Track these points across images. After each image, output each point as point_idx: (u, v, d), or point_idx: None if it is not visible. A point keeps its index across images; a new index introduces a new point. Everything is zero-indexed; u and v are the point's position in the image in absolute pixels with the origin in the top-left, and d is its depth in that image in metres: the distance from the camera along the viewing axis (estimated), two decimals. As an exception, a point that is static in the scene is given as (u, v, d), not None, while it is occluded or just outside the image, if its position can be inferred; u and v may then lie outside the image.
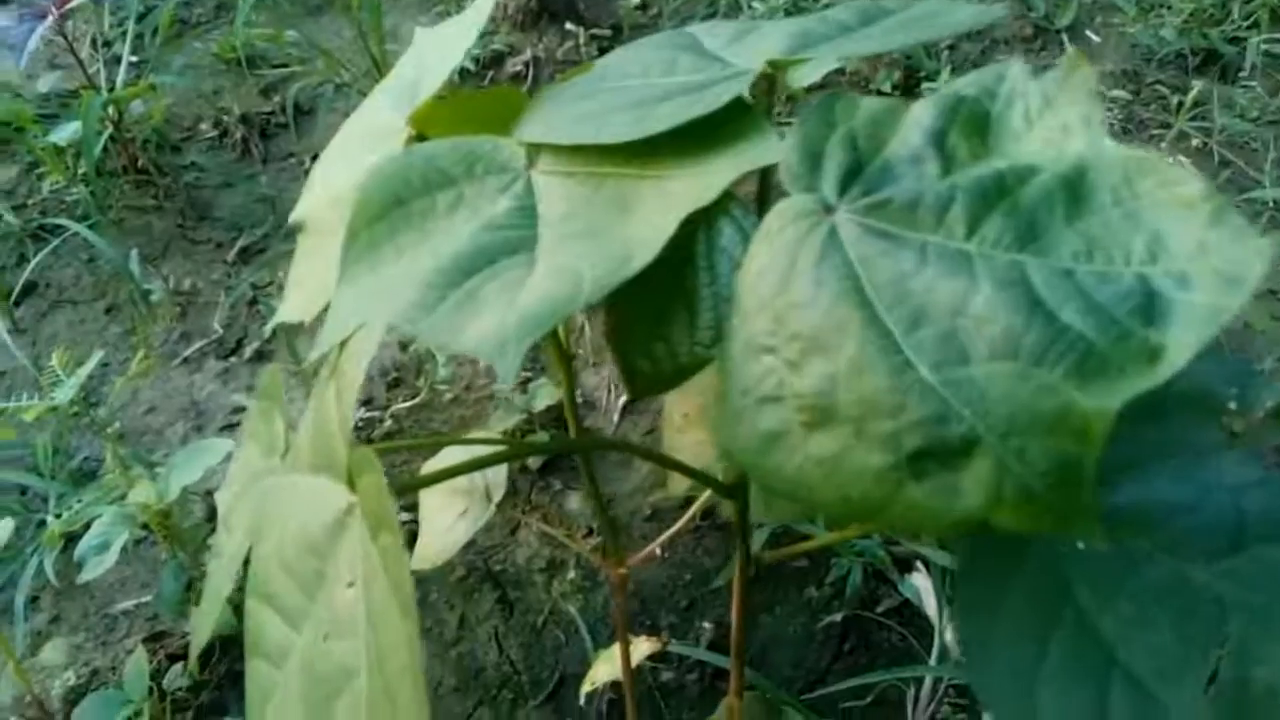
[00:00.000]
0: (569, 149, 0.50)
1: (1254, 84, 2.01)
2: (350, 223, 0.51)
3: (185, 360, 1.65)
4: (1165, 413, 0.46)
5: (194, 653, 0.62)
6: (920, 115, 0.41)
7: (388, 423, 1.51)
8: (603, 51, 2.12)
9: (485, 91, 0.61)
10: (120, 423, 1.55)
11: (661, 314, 0.47)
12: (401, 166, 0.52)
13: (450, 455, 0.87)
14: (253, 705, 0.48)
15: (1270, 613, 0.41)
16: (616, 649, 0.93)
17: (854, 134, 0.42)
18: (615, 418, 1.50)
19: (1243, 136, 1.91)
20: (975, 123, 0.40)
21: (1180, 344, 0.33)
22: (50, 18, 1.70)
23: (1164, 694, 0.40)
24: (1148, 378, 0.32)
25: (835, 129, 0.42)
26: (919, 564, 1.26)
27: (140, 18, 2.19)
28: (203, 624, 0.61)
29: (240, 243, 1.83)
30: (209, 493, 1.43)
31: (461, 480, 0.86)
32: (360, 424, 1.47)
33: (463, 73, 2.07)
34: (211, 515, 1.41)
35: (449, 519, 0.86)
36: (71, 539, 1.26)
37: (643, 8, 2.30)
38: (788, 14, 2.07)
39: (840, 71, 2.00)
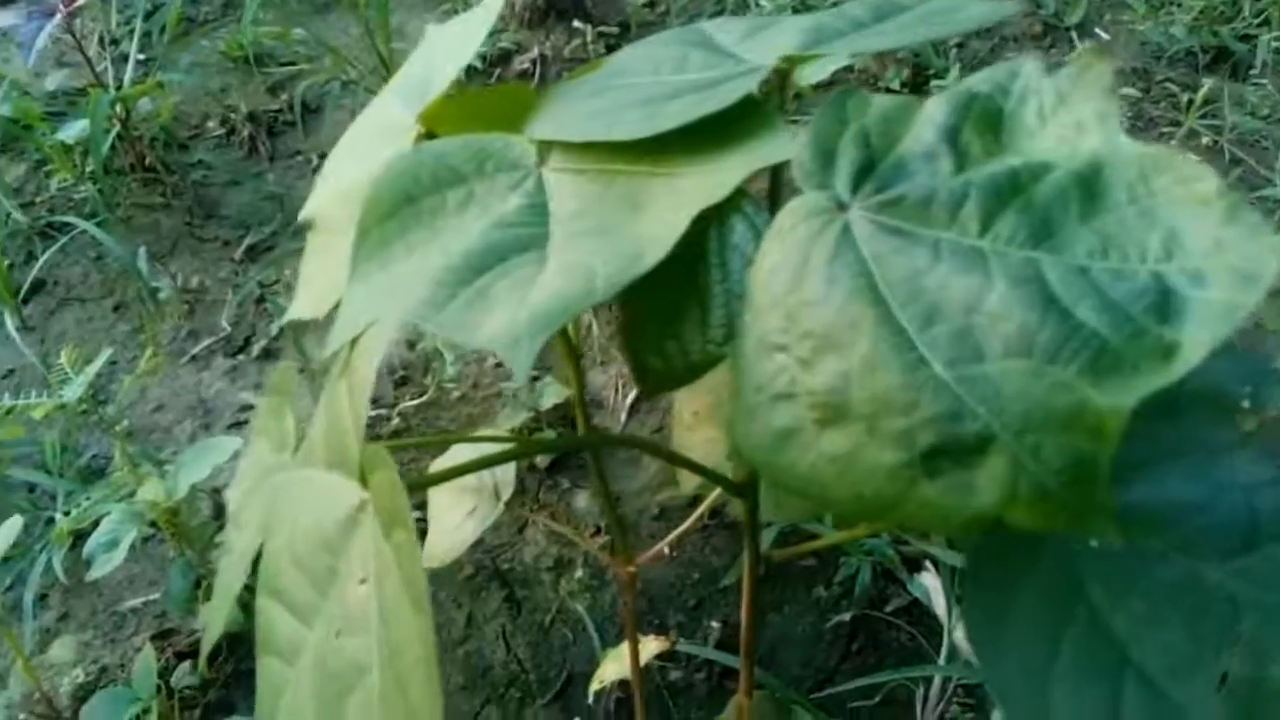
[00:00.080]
0: (580, 146, 0.50)
1: (1265, 81, 2.00)
2: (361, 220, 0.51)
3: (193, 358, 1.65)
4: (1179, 411, 0.45)
5: (205, 649, 0.62)
6: (933, 112, 0.41)
7: (395, 421, 1.51)
8: (610, 49, 2.12)
9: (495, 89, 0.61)
10: (128, 420, 1.55)
11: (673, 311, 0.47)
12: (412, 164, 0.52)
13: (459, 453, 0.87)
14: (264, 702, 0.48)
15: (1284, 612, 0.40)
16: (625, 648, 0.93)
17: (867, 131, 0.42)
18: (623, 416, 1.50)
19: (1253, 134, 1.90)
20: (989, 119, 0.40)
21: (1195, 341, 0.32)
22: (58, 15, 1.71)
23: (1177, 693, 0.40)
24: (1163, 375, 0.32)
25: (848, 126, 0.42)
26: (928, 563, 1.26)
27: (148, 16, 2.20)
28: (214, 621, 0.61)
29: (248, 241, 1.83)
30: (216, 490, 1.43)
31: (470, 478, 0.86)
32: (368, 422, 1.47)
33: (469, 70, 2.07)
34: (219, 513, 1.41)
35: (457, 517, 0.86)
36: (80, 536, 1.26)
37: (650, 5, 2.29)
38: (795, 11, 2.07)
39: (849, 69, 2.00)
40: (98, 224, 1.79)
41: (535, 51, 2.13)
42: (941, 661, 1.17)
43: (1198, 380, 0.37)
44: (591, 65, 0.60)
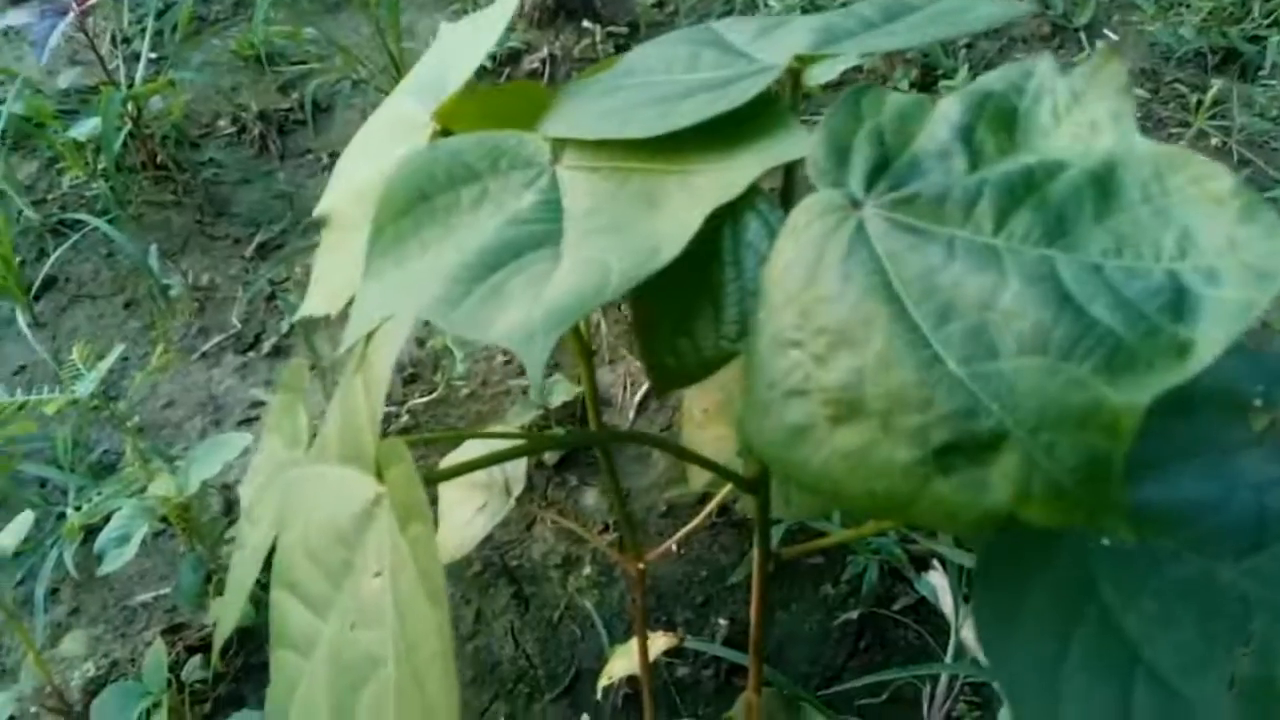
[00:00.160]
0: (594, 144, 0.51)
1: (1274, 83, 2.00)
2: (376, 217, 0.51)
3: (204, 355, 1.66)
4: (1191, 410, 0.46)
5: (218, 644, 0.63)
6: (948, 110, 0.41)
7: (404, 418, 1.51)
8: (619, 49, 2.12)
9: (509, 86, 0.61)
10: (139, 416, 1.56)
11: (687, 309, 0.47)
12: (426, 161, 0.53)
13: (469, 450, 0.87)
14: (277, 694, 0.49)
15: (1295, 610, 0.40)
16: (633, 644, 0.93)
17: (881, 129, 0.42)
18: (631, 414, 1.51)
19: (1262, 135, 1.90)
20: (1003, 118, 0.40)
21: (1209, 339, 0.33)
22: (71, 14, 1.71)
23: (1188, 692, 0.40)
24: (1177, 373, 0.32)
25: (862, 124, 0.43)
26: (935, 562, 1.26)
27: (159, 14, 2.20)
28: (226, 615, 0.62)
29: (258, 238, 1.84)
30: (227, 486, 1.44)
31: (480, 474, 0.86)
32: (377, 419, 1.47)
33: (479, 70, 2.07)
34: (229, 509, 1.42)
35: (468, 513, 0.87)
36: (91, 531, 1.27)
37: (659, 5, 2.30)
38: (804, 11, 2.07)
39: (857, 69, 2.00)
40: (109, 221, 1.80)
41: (545, 51, 2.13)
42: (948, 660, 1.17)
43: (1210, 379, 0.37)
44: (604, 64, 0.61)
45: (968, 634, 1.17)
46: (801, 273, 0.40)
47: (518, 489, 0.83)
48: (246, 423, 1.55)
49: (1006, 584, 0.44)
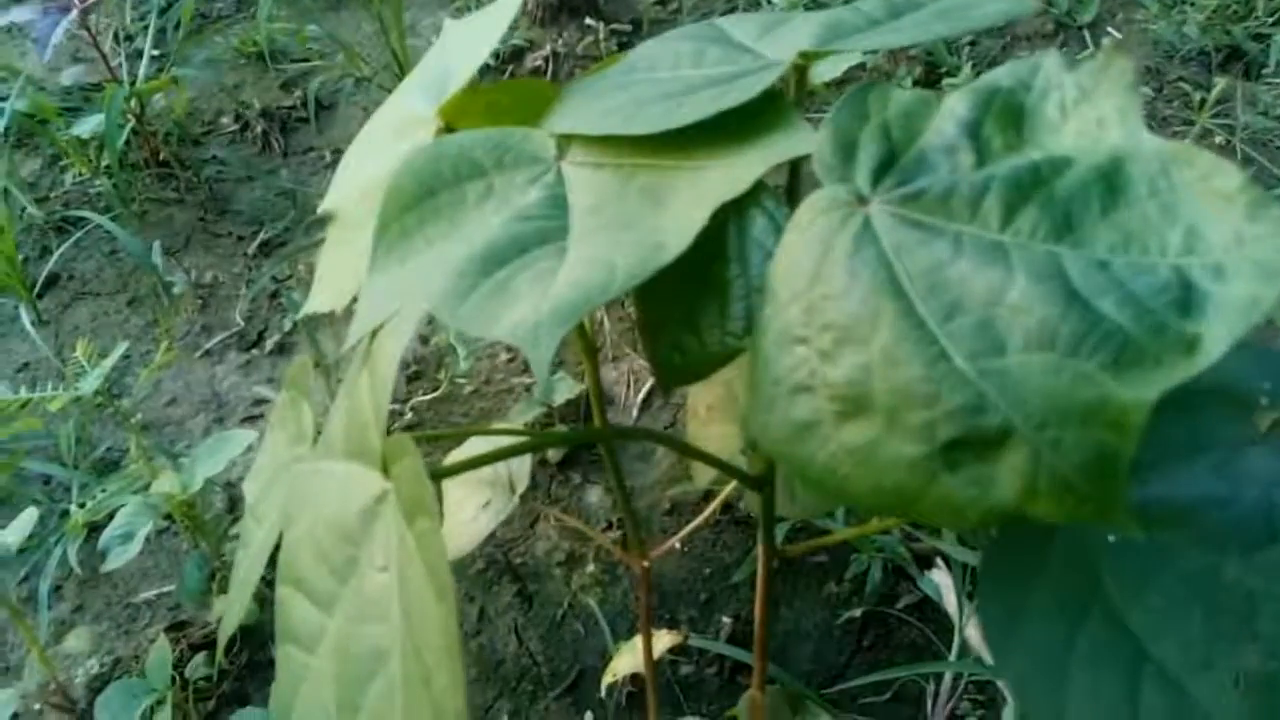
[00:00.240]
0: (599, 140, 0.51)
1: (1278, 81, 1.99)
2: (381, 213, 0.51)
3: (207, 352, 1.66)
4: (1198, 407, 0.45)
5: (222, 640, 0.63)
6: (954, 106, 0.41)
7: (408, 415, 1.51)
8: (622, 46, 2.12)
9: (513, 83, 0.61)
10: (143, 414, 1.56)
11: (692, 305, 0.47)
12: (432, 157, 0.53)
13: (473, 447, 0.87)
14: (282, 690, 0.49)
15: (1302, 607, 0.40)
16: (637, 641, 0.94)
17: (887, 125, 0.42)
18: (635, 412, 1.51)
19: (1266, 134, 1.89)
20: (1010, 114, 0.40)
21: (1217, 336, 0.33)
22: (74, 11, 1.72)
23: (1195, 688, 0.40)
24: (1185, 369, 0.32)
25: (868, 120, 0.43)
26: (939, 560, 1.26)
27: (162, 11, 2.21)
28: (231, 613, 0.62)
29: (261, 236, 1.84)
30: (230, 484, 1.44)
31: (485, 472, 0.86)
32: (380, 417, 1.47)
33: (482, 68, 2.07)
34: (232, 506, 1.42)
35: (472, 511, 0.87)
36: (95, 529, 1.27)
37: (662, 3, 2.29)
38: (808, 8, 2.07)
39: (861, 67, 2.00)
40: (112, 218, 1.80)
41: (548, 49, 2.13)
42: (952, 658, 1.17)
43: (1217, 376, 0.37)
44: (608, 61, 0.60)
45: (971, 632, 1.17)
46: (807, 269, 0.40)
47: (522, 486, 0.83)
48: (250, 420, 1.55)
49: (1012, 581, 0.44)
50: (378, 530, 0.43)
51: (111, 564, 1.14)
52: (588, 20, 2.18)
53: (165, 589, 1.35)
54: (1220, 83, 1.93)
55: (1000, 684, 1.15)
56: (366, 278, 0.51)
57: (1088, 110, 0.39)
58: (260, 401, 1.57)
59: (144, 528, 1.16)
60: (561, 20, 2.20)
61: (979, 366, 0.35)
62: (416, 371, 1.58)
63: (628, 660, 1.05)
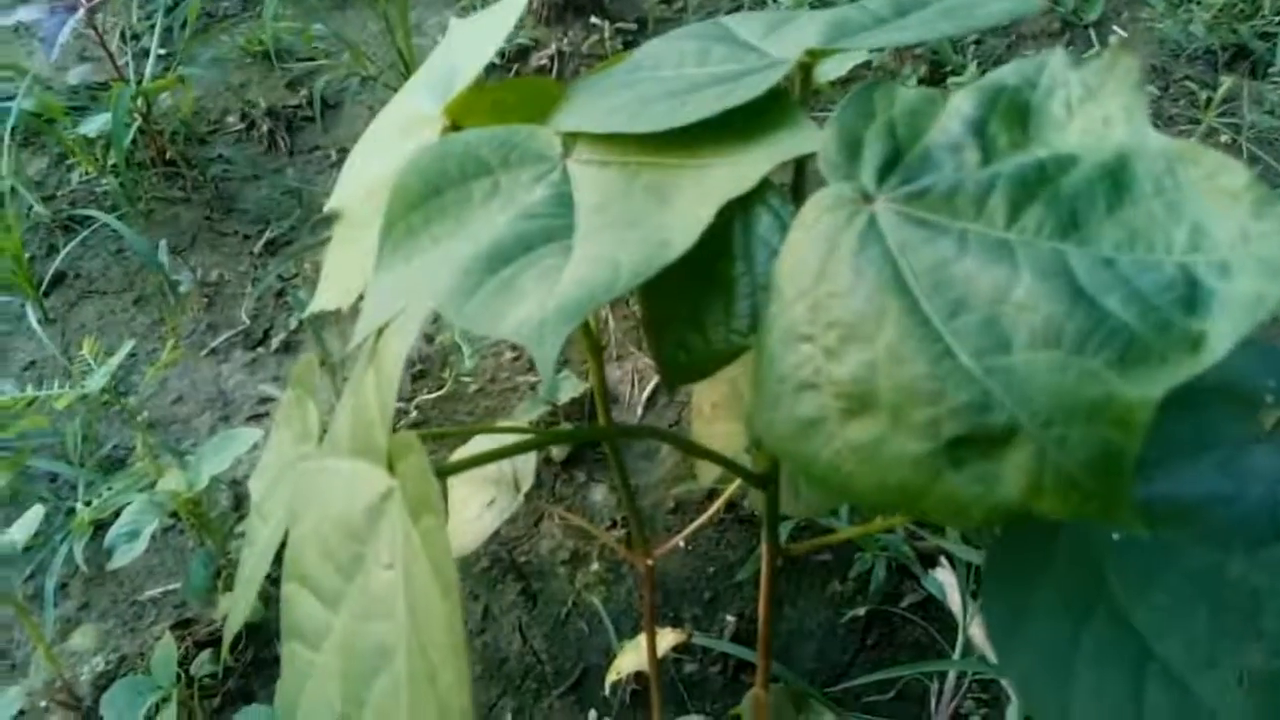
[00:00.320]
0: (605, 139, 0.51)
1: (1284, 80, 1.99)
2: (388, 211, 0.52)
3: (213, 351, 1.66)
4: (1203, 405, 0.45)
5: (227, 638, 0.63)
6: (960, 104, 0.41)
7: (413, 414, 1.52)
8: (628, 45, 2.12)
9: (519, 81, 0.61)
10: (149, 412, 1.57)
11: (697, 303, 0.47)
12: (438, 156, 0.53)
13: (478, 445, 0.87)
14: (288, 687, 0.49)
15: (1307, 605, 0.40)
16: (641, 640, 0.94)
17: (893, 123, 0.42)
18: (639, 410, 1.51)
19: (1273, 133, 1.89)
20: (1016, 112, 0.40)
21: (1222, 333, 0.33)
22: (80, 10, 1.72)
23: (1199, 685, 0.40)
24: (1190, 366, 0.32)
25: (874, 118, 0.43)
26: (943, 559, 1.26)
27: (169, 11, 2.21)
28: (236, 610, 0.62)
29: (267, 235, 1.84)
30: (236, 482, 1.44)
31: (490, 470, 0.87)
32: (385, 415, 1.47)
33: (488, 67, 2.07)
34: (238, 504, 1.42)
35: (476, 509, 0.87)
36: (101, 526, 1.28)
37: (667, 2, 2.29)
38: (813, 6, 2.07)
39: (866, 66, 2.00)
40: (119, 217, 1.80)
41: (553, 48, 2.13)
42: (956, 657, 1.17)
43: (1222, 374, 0.37)
44: (613, 60, 0.61)
45: (975, 631, 1.17)
46: (813, 266, 0.40)
47: (527, 484, 0.83)
48: (256, 418, 1.55)
49: (1016, 579, 0.44)
50: (383, 528, 0.44)
51: (117, 562, 1.14)
52: (593, 19, 2.19)
53: (171, 587, 1.35)
54: (1226, 81, 1.92)
55: (1004, 683, 1.15)
56: (372, 276, 0.51)
57: (1093, 108, 0.39)
58: (266, 400, 1.58)
59: (150, 525, 1.17)
60: (567, 19, 2.20)
61: (984, 364, 0.35)
62: (421, 370, 1.58)
63: (631, 658, 1.05)
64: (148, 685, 1.14)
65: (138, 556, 1.15)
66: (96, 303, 1.76)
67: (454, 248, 0.48)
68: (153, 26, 2.11)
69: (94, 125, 1.87)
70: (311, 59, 2.19)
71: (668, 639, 1.03)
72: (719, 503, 0.86)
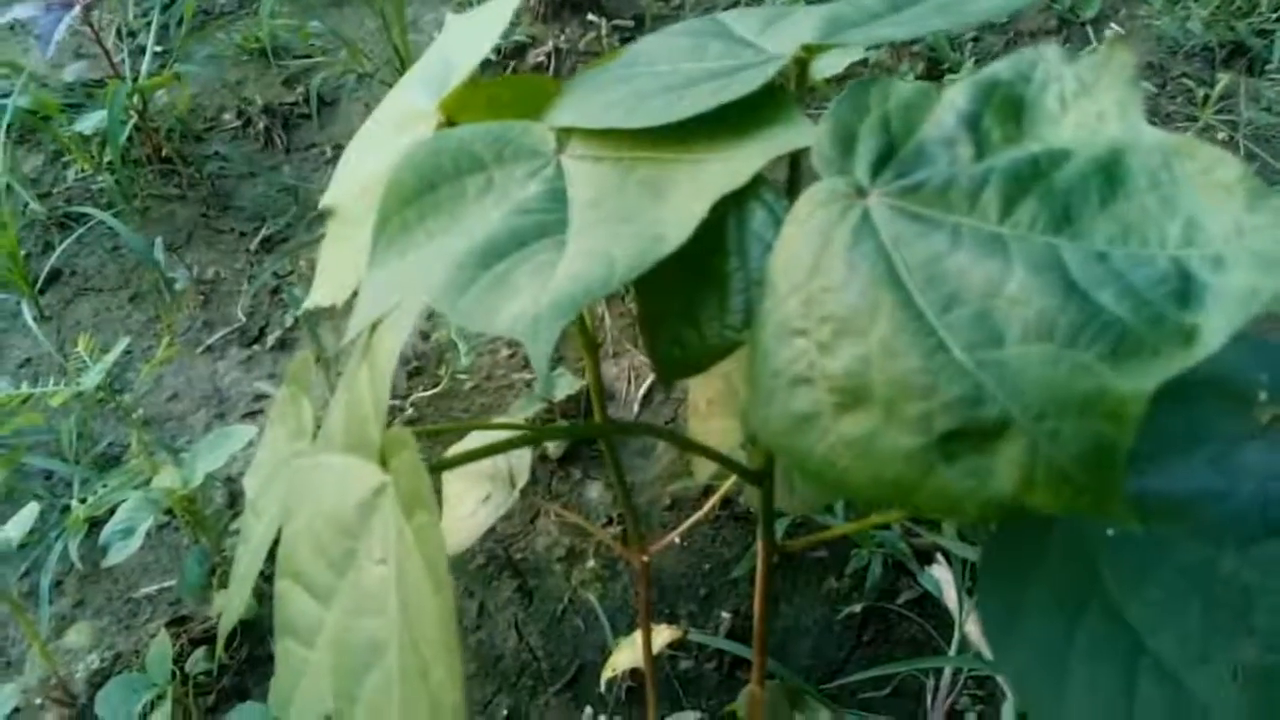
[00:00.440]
0: (599, 134, 0.51)
1: (1281, 77, 1.99)
2: (382, 207, 0.51)
3: (209, 348, 1.66)
4: (1197, 400, 0.45)
5: (222, 635, 0.63)
6: (955, 99, 0.41)
7: (408, 411, 1.52)
8: (625, 42, 2.12)
9: (514, 78, 0.61)
10: (144, 409, 1.56)
11: (692, 298, 0.47)
12: (432, 151, 0.53)
13: (474, 441, 0.87)
14: (281, 684, 0.49)
15: (1301, 600, 0.40)
16: (637, 637, 0.94)
17: (887, 117, 0.42)
18: (635, 407, 1.51)
19: (1269, 130, 1.89)
20: (1010, 106, 0.40)
21: (1215, 326, 0.33)
22: (76, 7, 1.72)
23: (1192, 681, 0.40)
24: (1182, 360, 0.32)
25: (868, 113, 0.42)
26: (939, 556, 1.26)
27: (165, 8, 2.21)
28: (231, 607, 0.62)
29: (263, 232, 1.84)
30: (231, 479, 1.44)
31: (485, 466, 0.86)
32: (381, 412, 1.47)
33: (485, 63, 2.06)
34: (233, 502, 1.42)
35: (471, 505, 0.87)
36: (96, 524, 1.28)
37: (664, -1, 2.29)
38: (809, 2, 2.07)
39: (863, 63, 2.00)
40: (115, 214, 1.80)
41: (550, 44, 2.13)
42: (952, 653, 1.17)
43: (1215, 369, 0.37)
44: (610, 55, 0.60)
45: (971, 627, 1.17)
46: (807, 261, 0.40)
47: (522, 481, 0.83)
48: (251, 415, 1.55)
49: (1010, 575, 0.44)
50: (376, 523, 0.44)
51: (112, 559, 1.14)
52: (590, 16, 2.18)
53: (166, 584, 1.35)
54: (1223, 79, 1.92)
55: (1000, 679, 1.15)
56: (366, 271, 0.51)
57: (1088, 103, 0.39)
58: (261, 397, 1.58)
59: (145, 523, 1.17)
60: (564, 16, 2.20)
61: (977, 358, 0.35)
62: (417, 367, 1.58)
63: (627, 655, 1.05)
64: (143, 683, 1.14)
65: (133, 554, 1.15)
66: (92, 300, 1.76)
67: (448, 243, 0.48)
68: (149, 24, 2.11)
69: (90, 122, 1.86)
70: (308, 56, 2.19)
71: (663, 636, 1.03)
72: (714, 499, 0.86)
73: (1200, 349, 0.32)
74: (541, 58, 2.12)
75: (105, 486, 1.29)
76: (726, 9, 2.18)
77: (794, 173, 0.53)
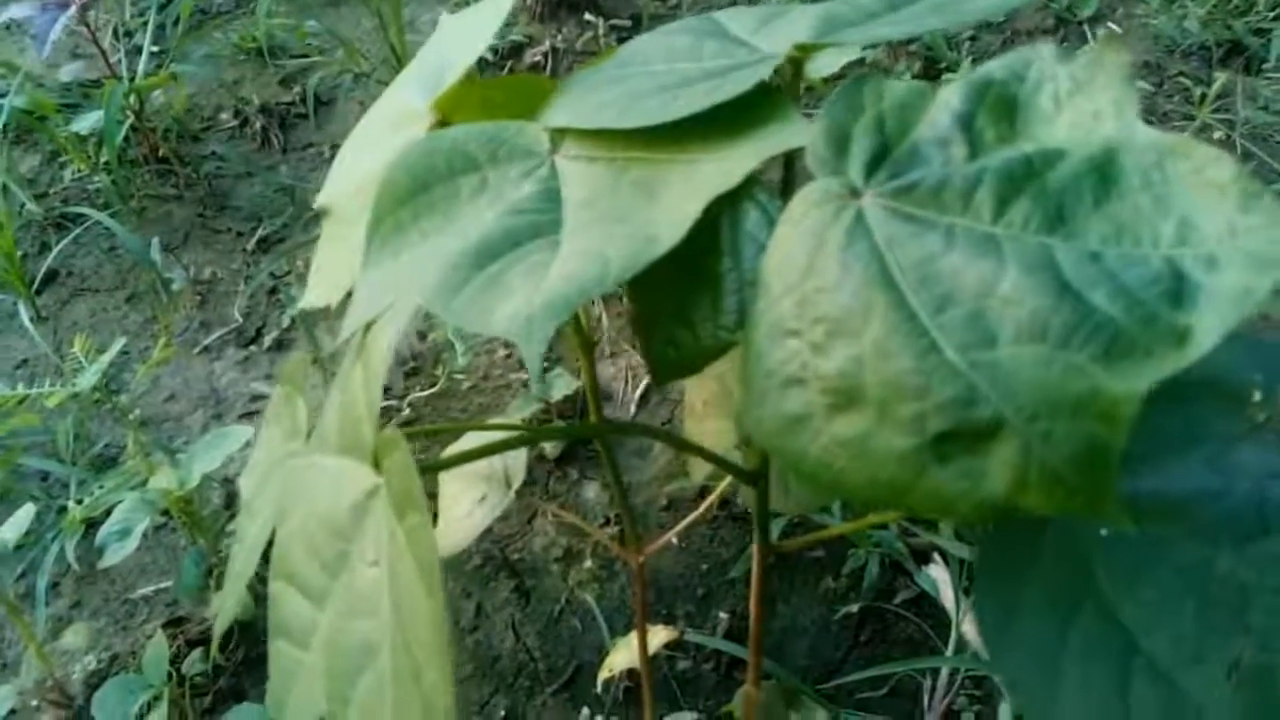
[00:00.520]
0: (593, 134, 0.50)
1: (1278, 76, 1.99)
2: (375, 208, 0.51)
3: (205, 348, 1.66)
4: (1191, 400, 0.45)
5: (216, 636, 0.63)
6: (948, 98, 0.41)
7: (406, 411, 1.51)
8: (622, 42, 2.12)
9: (509, 78, 0.61)
10: (141, 410, 1.56)
11: (685, 299, 0.47)
12: (426, 151, 0.52)
13: (470, 442, 0.87)
14: (276, 686, 0.49)
15: (1295, 600, 0.40)
16: (633, 637, 0.93)
17: (881, 117, 0.42)
18: (632, 408, 1.51)
19: (1266, 129, 1.89)
20: (1004, 106, 0.40)
21: (1208, 327, 0.32)
22: (73, 7, 1.71)
23: (1186, 681, 0.40)
24: (1175, 360, 0.32)
25: (862, 113, 0.42)
26: (936, 556, 1.26)
27: (161, 8, 2.21)
28: (225, 608, 0.62)
29: (260, 232, 1.84)
30: (228, 480, 1.44)
31: (481, 466, 0.86)
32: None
33: (482, 63, 2.08)
34: (229, 502, 1.42)
35: (467, 505, 0.87)
36: (92, 525, 1.27)
37: (662, -1, 2.29)
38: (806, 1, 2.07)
39: (860, 62, 2.00)
40: (111, 215, 1.80)
41: (547, 44, 2.13)
42: (949, 653, 1.17)
43: (1210, 368, 0.37)
44: (606, 54, 0.60)
45: (968, 627, 1.17)
46: (800, 262, 0.40)
47: (518, 481, 0.83)
48: (248, 416, 1.55)
49: (1006, 575, 0.44)
50: (369, 525, 0.43)
51: (109, 560, 1.14)
52: (587, 16, 2.18)
53: (163, 585, 1.35)
54: (1221, 78, 1.92)
55: (997, 679, 1.15)
56: (360, 272, 0.51)
57: (1082, 102, 0.39)
58: (258, 397, 1.57)
59: (141, 524, 1.16)
60: (561, 16, 2.19)
61: (970, 358, 0.35)
62: (414, 367, 1.58)
63: (624, 656, 1.05)
64: (139, 684, 1.14)
65: (129, 555, 1.14)
66: (89, 300, 1.75)
67: (442, 243, 0.48)
68: (145, 23, 2.11)
69: (86, 123, 1.86)
70: (305, 56, 2.19)
71: (660, 636, 1.03)
72: (710, 499, 0.85)
73: (1193, 349, 0.32)
74: (539, 57, 2.11)
75: (102, 487, 1.29)
76: (723, 8, 2.18)
77: (788, 173, 0.53)
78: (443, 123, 0.59)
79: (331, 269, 0.62)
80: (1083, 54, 0.40)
